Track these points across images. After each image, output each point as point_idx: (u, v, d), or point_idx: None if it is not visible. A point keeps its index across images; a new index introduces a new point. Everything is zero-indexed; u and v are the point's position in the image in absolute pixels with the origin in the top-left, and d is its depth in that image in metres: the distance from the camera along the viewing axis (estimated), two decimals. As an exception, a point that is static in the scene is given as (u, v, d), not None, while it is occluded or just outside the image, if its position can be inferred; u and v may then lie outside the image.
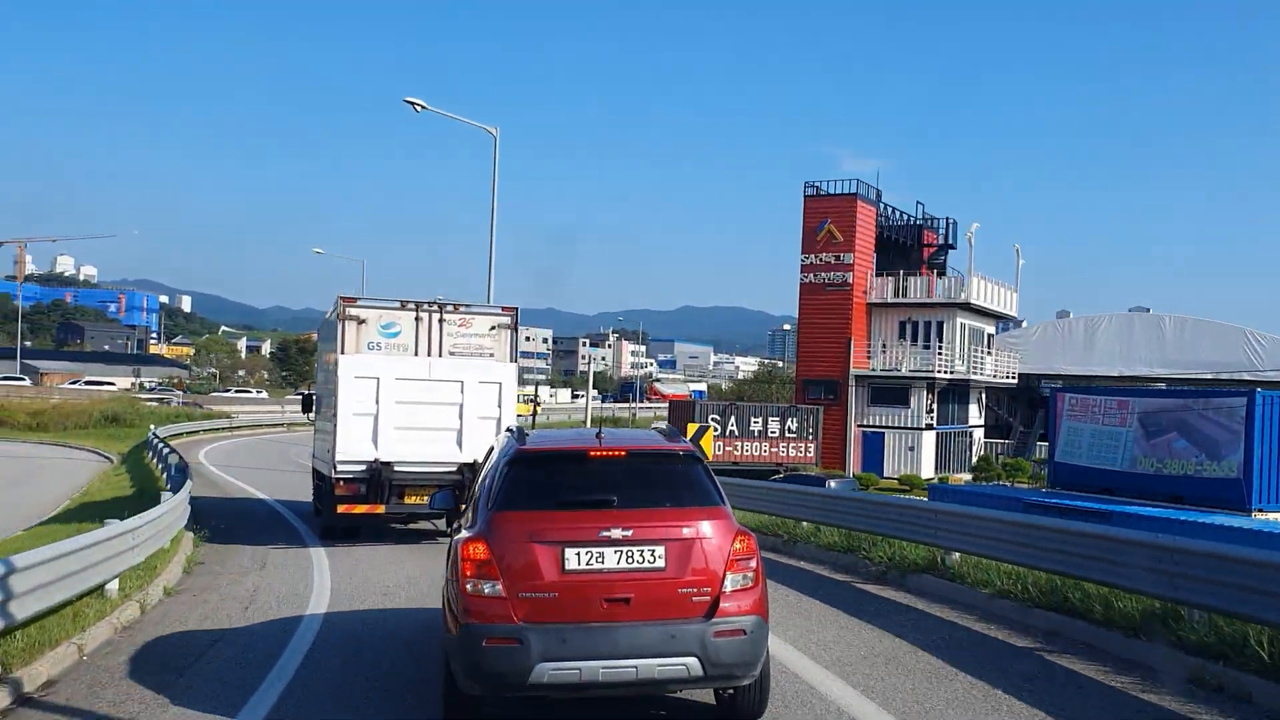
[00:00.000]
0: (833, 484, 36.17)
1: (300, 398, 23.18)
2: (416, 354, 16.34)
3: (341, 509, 16.27)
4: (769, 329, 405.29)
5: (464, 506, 8.60)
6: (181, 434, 49.99)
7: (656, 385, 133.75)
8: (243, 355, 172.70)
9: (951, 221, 54.68)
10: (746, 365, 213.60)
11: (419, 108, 28.93)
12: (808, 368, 50.39)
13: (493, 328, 16.68)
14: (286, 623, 10.53)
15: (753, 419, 44.79)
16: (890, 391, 48.61)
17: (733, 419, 44.39)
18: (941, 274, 52.09)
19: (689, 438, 21.43)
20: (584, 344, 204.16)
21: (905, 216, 53.65)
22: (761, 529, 17.12)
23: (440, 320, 16.47)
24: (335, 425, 16.24)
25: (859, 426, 48.78)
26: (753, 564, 6.70)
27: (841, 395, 48.51)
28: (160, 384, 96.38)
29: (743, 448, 44.55)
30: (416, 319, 16.39)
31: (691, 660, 6.37)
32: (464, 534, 6.88)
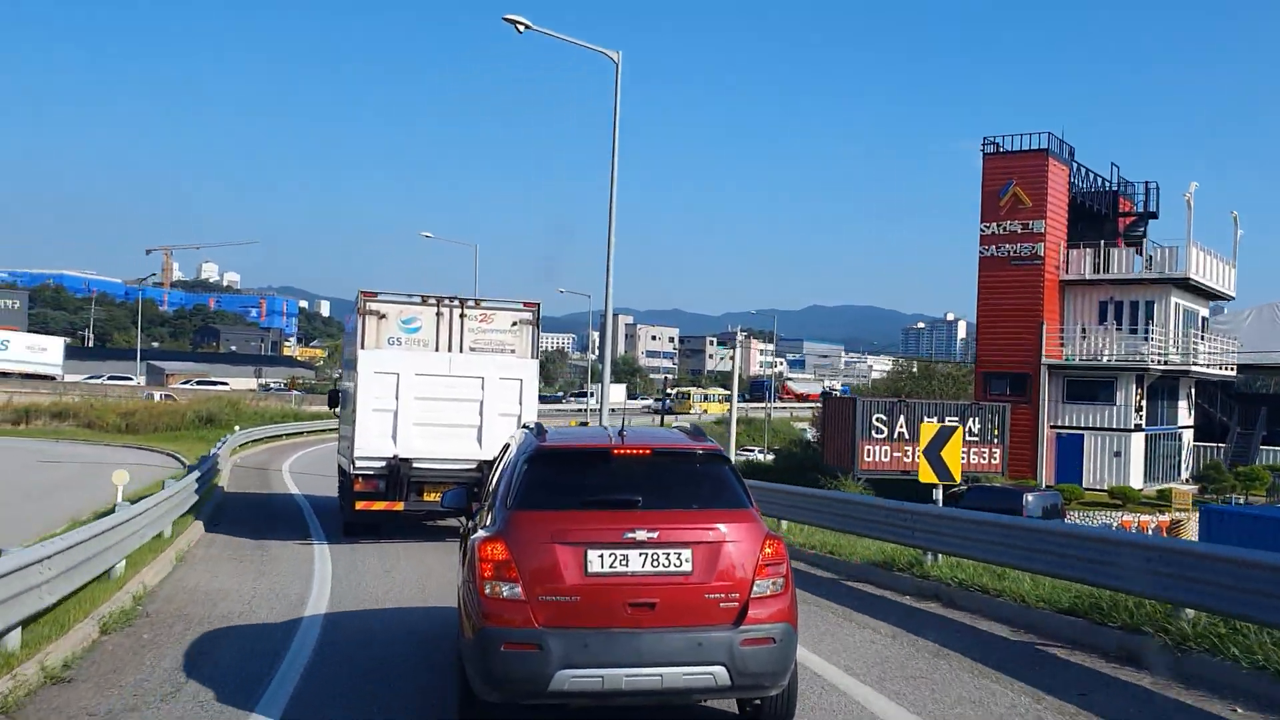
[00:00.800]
0: (1029, 499, 28.85)
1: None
2: (437, 349, 16.07)
3: (360, 506, 15.95)
4: (901, 327, 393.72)
5: (476, 505, 8.17)
6: (280, 435, 44.91)
7: (789, 384, 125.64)
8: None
9: (1153, 186, 45.50)
10: (880, 365, 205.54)
11: (522, 28, 22.69)
12: (989, 358, 41.87)
13: (514, 323, 16.36)
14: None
15: (925, 419, 36.99)
16: (1091, 385, 39.99)
17: (901, 419, 36.70)
18: (1140, 249, 43.33)
19: (923, 446, 16.62)
20: (711, 343, 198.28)
21: (1099, 180, 44.75)
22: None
23: (461, 316, 16.19)
24: (354, 421, 15.99)
25: (1052, 428, 40.31)
26: (782, 569, 6.41)
27: (1032, 391, 40.09)
28: (283, 384, 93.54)
29: (914, 454, 36.81)
30: (437, 314, 16.15)
31: (719, 669, 6.08)
32: (481, 533, 6.55)
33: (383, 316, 15.98)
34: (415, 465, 15.68)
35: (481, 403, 16.01)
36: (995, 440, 37.25)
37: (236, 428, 40.37)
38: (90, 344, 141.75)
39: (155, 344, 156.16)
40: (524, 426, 7.97)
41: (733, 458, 37.86)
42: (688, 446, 6.96)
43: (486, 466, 13.95)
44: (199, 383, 75.89)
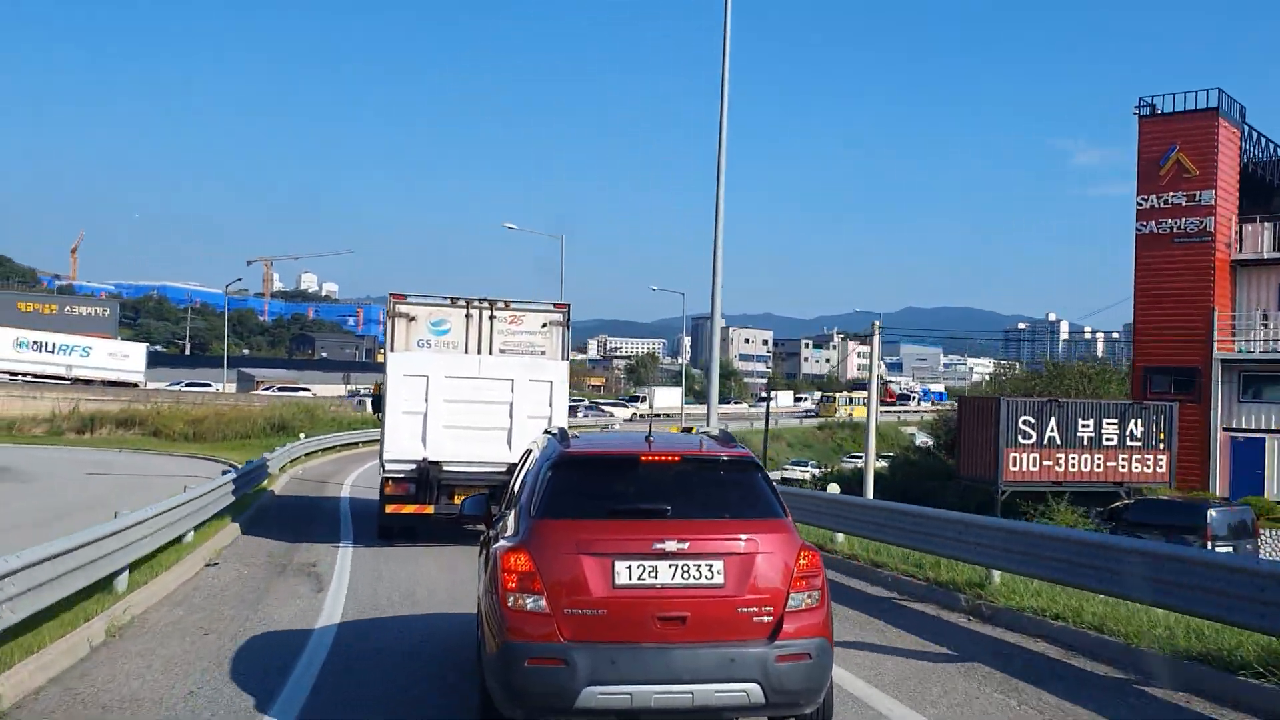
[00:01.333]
0: (1214, 515, 23.62)
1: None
2: (466, 351, 15.92)
3: (390, 509, 15.78)
4: (1001, 329, 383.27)
5: (498, 511, 8.03)
6: (356, 444, 41.21)
7: (891, 387, 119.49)
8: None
9: (1332, 152, 39.25)
10: (981, 367, 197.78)
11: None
12: (1150, 350, 36.10)
13: (544, 325, 16.16)
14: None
15: (1080, 422, 31.63)
16: (1272, 381, 34.18)
17: (1053, 421, 31.44)
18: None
19: None
20: (806, 345, 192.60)
21: (1272, 147, 38.64)
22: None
23: (490, 317, 16.04)
24: (384, 424, 16.07)
25: (1226, 431, 34.48)
26: (818, 581, 6.10)
27: (1201, 388, 34.37)
28: (369, 390, 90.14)
29: (1068, 461, 31.48)
30: (467, 316, 16.01)
31: (752, 686, 5.75)
32: (504, 543, 6.30)
33: (412, 319, 15.84)
34: (445, 468, 15.52)
35: (511, 405, 15.77)
36: (1160, 445, 31.89)
37: (302, 434, 36.65)
38: (188, 352, 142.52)
39: (246, 351, 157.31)
40: (547, 431, 7.53)
41: (871, 466, 35.17)
42: (719, 453, 6.64)
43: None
44: (281, 389, 73.09)
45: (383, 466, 15.87)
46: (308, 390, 73.90)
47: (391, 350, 15.84)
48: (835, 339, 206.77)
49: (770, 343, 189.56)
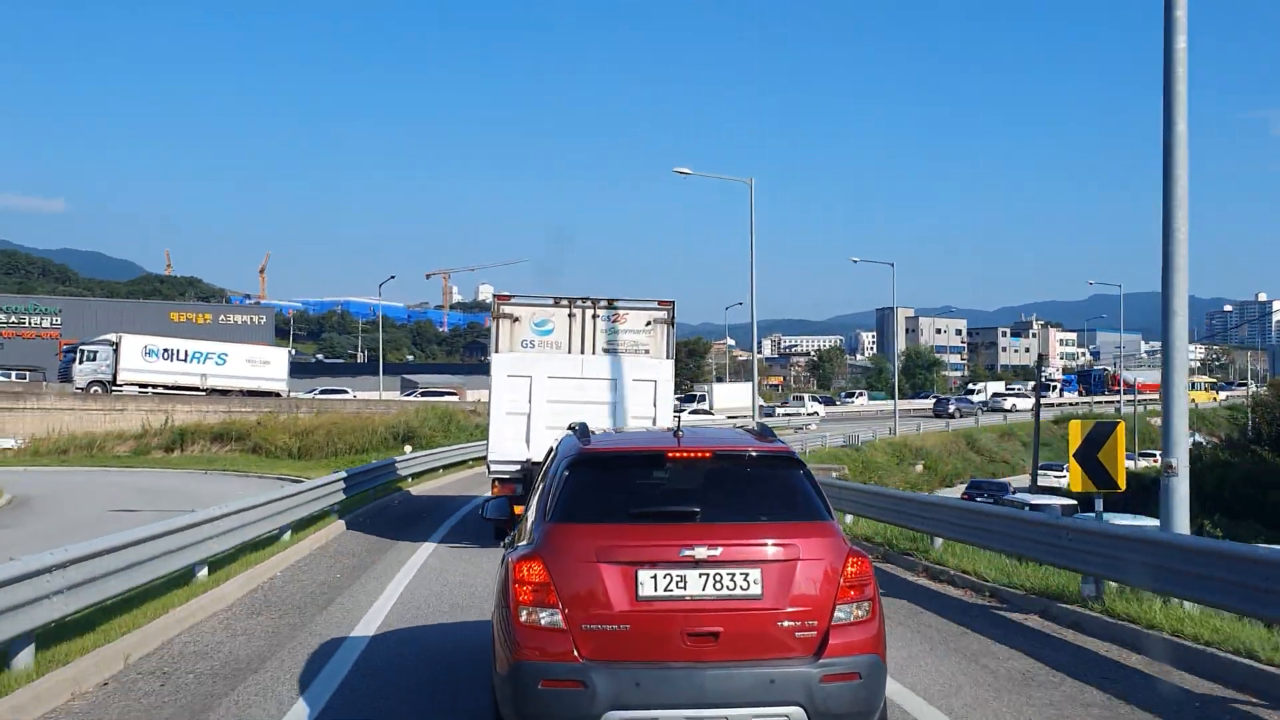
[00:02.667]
0: None
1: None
2: (570, 351, 15.68)
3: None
4: (1204, 312, 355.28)
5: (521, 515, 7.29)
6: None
7: (1120, 374, 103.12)
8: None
9: None
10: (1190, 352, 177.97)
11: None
12: None
13: (648, 323, 15.80)
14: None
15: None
16: None
17: None
18: None
19: (1072, 448, 12.67)
20: (1004, 334, 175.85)
21: None
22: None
23: (594, 316, 15.78)
24: (489, 424, 15.86)
25: None
26: (869, 591, 5.37)
27: None
28: None
29: None
30: (570, 315, 15.75)
31: (795, 710, 5.06)
32: (517, 551, 5.56)
33: (516, 320, 15.71)
34: None
35: (614, 405, 15.29)
36: None
37: (407, 448, 26.89)
38: (364, 361, 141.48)
39: (410, 358, 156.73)
40: (569, 428, 6.61)
41: (1185, 475, 24.02)
42: (754, 449, 5.88)
43: None
44: (424, 393, 64.40)
45: (488, 468, 15.58)
46: (453, 395, 65.02)
47: (496, 351, 15.70)
48: (1035, 326, 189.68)
49: (964, 332, 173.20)
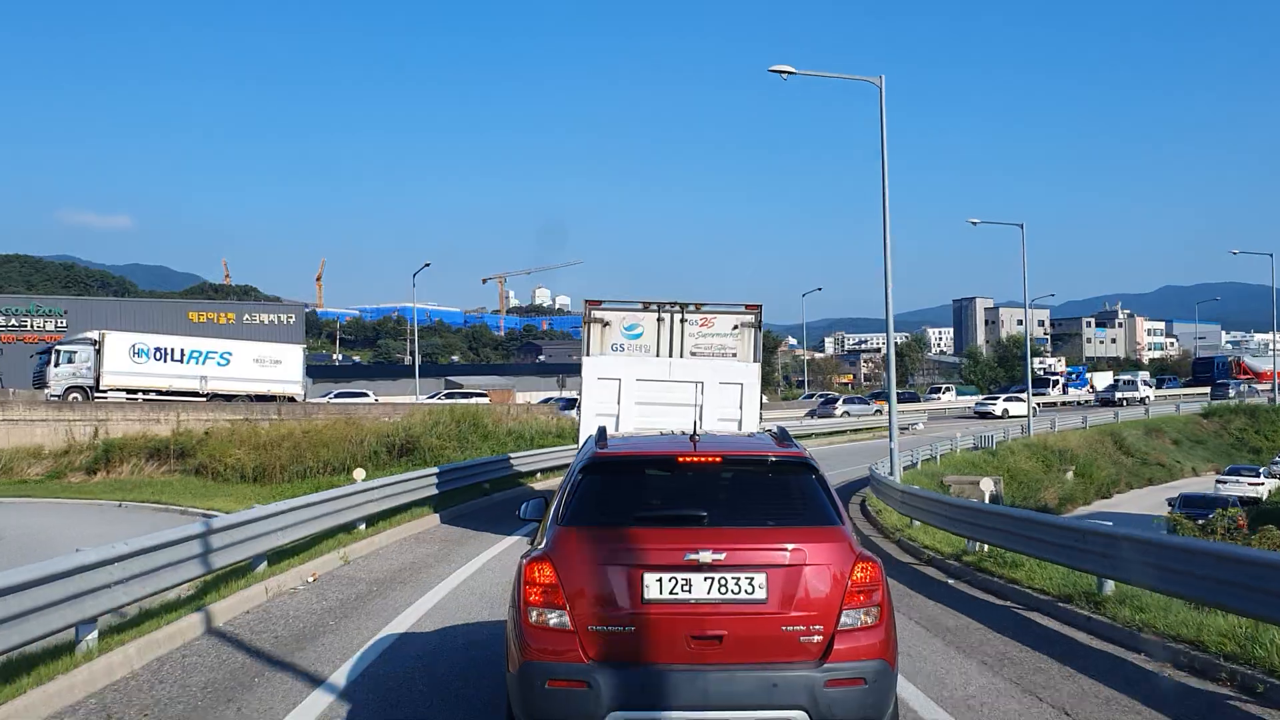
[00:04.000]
0: None
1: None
2: (658, 355, 15.75)
3: None
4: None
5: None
6: (526, 474, 21.57)
7: (1247, 361, 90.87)
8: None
9: None
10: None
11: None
12: None
13: (735, 327, 15.84)
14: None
15: None
16: None
17: None
18: None
19: None
20: (1088, 324, 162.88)
21: None
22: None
23: (682, 320, 15.87)
24: (579, 426, 16.01)
25: None
26: (877, 597, 5.27)
27: None
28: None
29: None
30: (659, 320, 15.88)
31: (798, 715, 5.02)
32: (530, 554, 5.53)
33: (606, 324, 15.99)
34: None
35: (701, 407, 15.06)
36: None
37: (359, 475, 16.85)
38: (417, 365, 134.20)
39: (455, 358, 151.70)
40: (595, 431, 6.59)
41: None
42: (766, 454, 5.80)
43: None
44: (447, 395, 54.76)
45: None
46: (484, 396, 55.32)
47: (586, 354, 15.88)
48: (1120, 315, 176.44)
49: (1046, 324, 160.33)
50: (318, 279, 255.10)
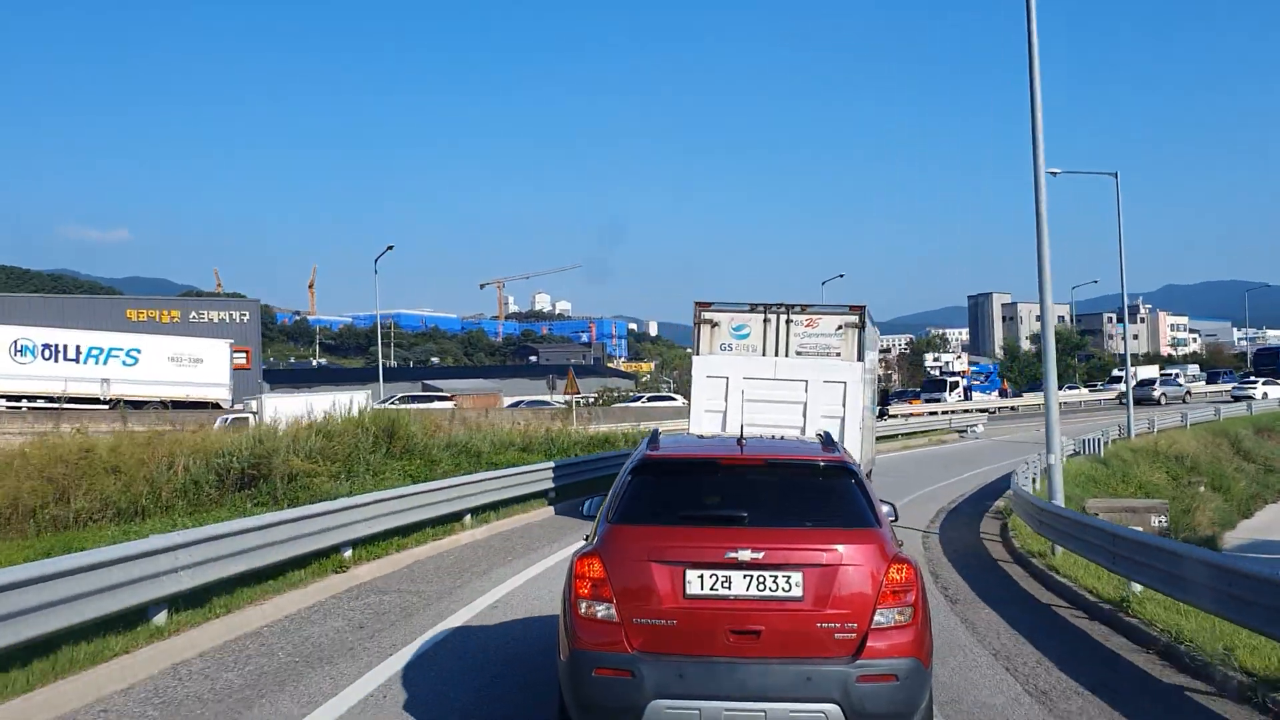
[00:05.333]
0: None
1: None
2: (764, 354, 15.85)
3: None
4: None
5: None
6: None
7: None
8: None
9: None
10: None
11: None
12: None
13: (839, 327, 15.76)
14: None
15: None
16: None
17: None
18: None
19: None
20: (1109, 320, 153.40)
21: None
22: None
23: (787, 321, 15.88)
24: (689, 421, 16.30)
25: None
26: (910, 597, 5.35)
27: None
28: (562, 398, 63.97)
29: None
30: (765, 320, 15.94)
31: (831, 708, 5.12)
32: (582, 548, 5.77)
33: (715, 325, 16.06)
34: None
35: (805, 405, 15.35)
36: None
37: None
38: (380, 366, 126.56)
39: (435, 360, 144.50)
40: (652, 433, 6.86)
41: None
42: (807, 458, 6.06)
43: None
44: (402, 398, 44.97)
45: None
46: (449, 400, 45.84)
47: (696, 354, 16.17)
48: (1143, 310, 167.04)
49: (1067, 319, 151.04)
50: (310, 286, 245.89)
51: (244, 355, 66.29)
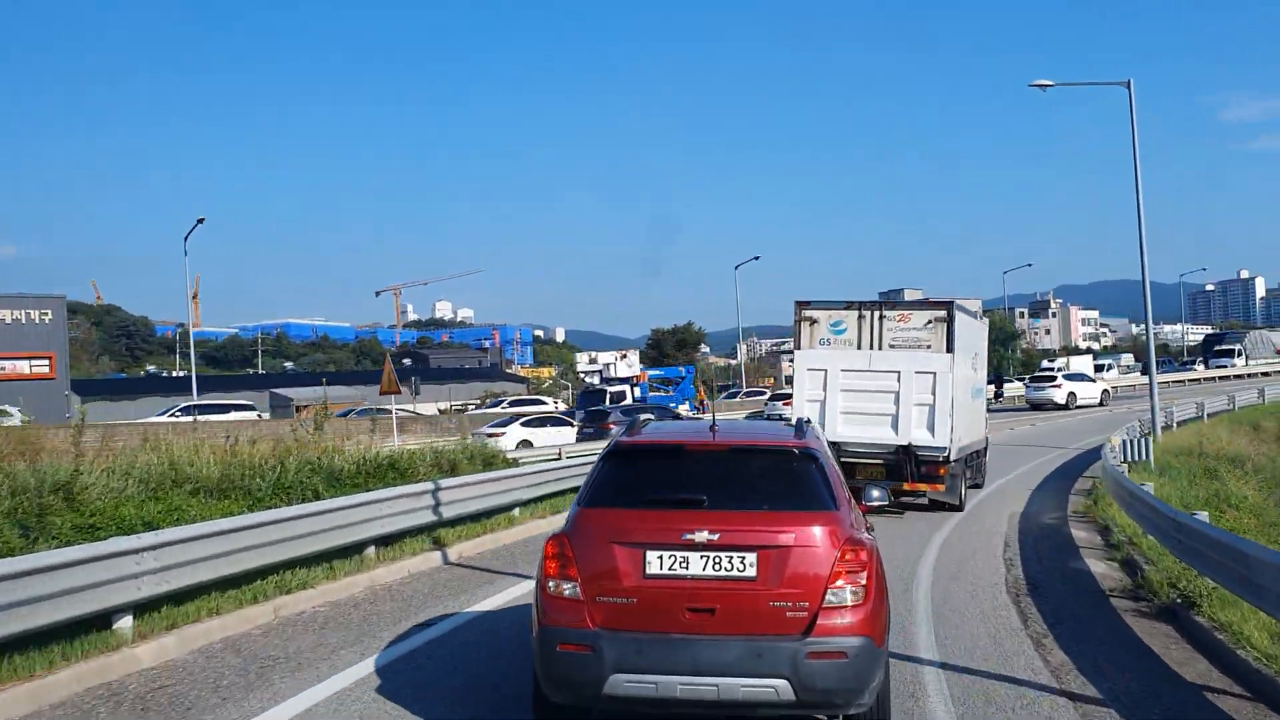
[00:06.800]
0: None
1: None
2: (859, 348, 16.66)
3: None
4: (1177, 296, 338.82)
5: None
6: None
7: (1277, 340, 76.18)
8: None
9: None
10: (1195, 333, 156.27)
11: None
12: None
13: (928, 321, 16.49)
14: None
15: None
16: None
17: None
18: None
19: None
20: (1021, 315, 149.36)
21: None
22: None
23: (880, 317, 16.66)
24: (793, 410, 16.77)
25: None
26: (862, 578, 5.45)
27: None
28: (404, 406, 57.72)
29: None
30: (860, 316, 16.72)
31: (781, 683, 5.25)
32: (555, 531, 6.00)
33: (814, 322, 16.85)
34: (844, 448, 15.87)
35: (897, 394, 16.22)
36: None
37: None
38: (194, 373, 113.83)
39: (288, 366, 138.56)
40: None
41: None
42: (768, 443, 6.28)
43: (902, 451, 15.87)
44: (185, 409, 34.82)
45: None
46: (251, 410, 36.22)
47: (798, 349, 17.06)
48: (1053, 305, 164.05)
49: (978, 314, 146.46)
50: (193, 297, 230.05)
51: (46, 363, 55.59)
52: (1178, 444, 23.32)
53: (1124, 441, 19.86)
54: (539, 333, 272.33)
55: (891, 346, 16.22)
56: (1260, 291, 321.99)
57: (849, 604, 5.32)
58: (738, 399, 58.70)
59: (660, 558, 5.40)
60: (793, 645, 5.21)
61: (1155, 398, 18.91)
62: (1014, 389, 55.62)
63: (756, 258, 64.52)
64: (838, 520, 5.52)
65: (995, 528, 14.82)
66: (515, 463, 19.71)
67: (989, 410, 21.73)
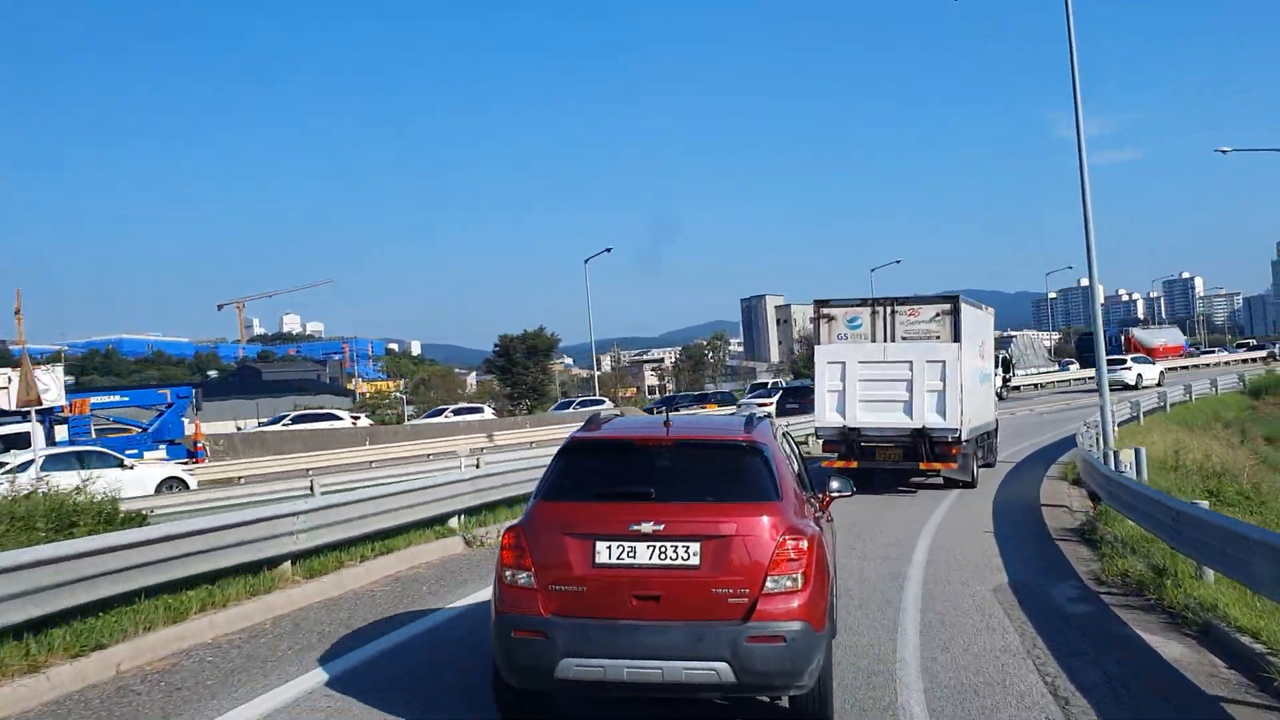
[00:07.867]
0: None
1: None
2: (874, 341, 17.71)
3: (825, 464, 17.73)
4: (1023, 305, 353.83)
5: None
6: None
7: (1136, 336, 74.95)
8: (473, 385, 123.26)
9: None
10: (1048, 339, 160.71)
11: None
12: None
13: (936, 315, 17.39)
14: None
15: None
16: None
17: None
18: None
19: None
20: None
21: None
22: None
23: (892, 312, 17.63)
24: (815, 400, 18.65)
25: None
26: (801, 565, 5.69)
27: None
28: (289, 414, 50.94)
29: None
30: (873, 312, 17.76)
31: (721, 666, 5.51)
32: (511, 522, 6.36)
33: (832, 319, 18.07)
34: (862, 433, 17.70)
35: (910, 381, 17.41)
36: None
37: None
38: None
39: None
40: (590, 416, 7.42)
41: None
42: (715, 438, 6.56)
43: (917, 434, 17.32)
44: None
45: (816, 433, 18.81)
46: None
47: (818, 344, 18.43)
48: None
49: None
50: (16, 313, 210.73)
51: None
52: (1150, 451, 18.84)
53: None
54: (393, 346, 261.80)
55: (904, 338, 17.46)
56: (1100, 298, 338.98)
57: (788, 590, 5.56)
58: (570, 409, 53.41)
59: (609, 548, 5.68)
60: (733, 629, 5.46)
61: (1106, 396, 19.55)
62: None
63: (608, 249, 60.82)
64: (779, 510, 5.79)
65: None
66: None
67: (1000, 400, 21.50)
